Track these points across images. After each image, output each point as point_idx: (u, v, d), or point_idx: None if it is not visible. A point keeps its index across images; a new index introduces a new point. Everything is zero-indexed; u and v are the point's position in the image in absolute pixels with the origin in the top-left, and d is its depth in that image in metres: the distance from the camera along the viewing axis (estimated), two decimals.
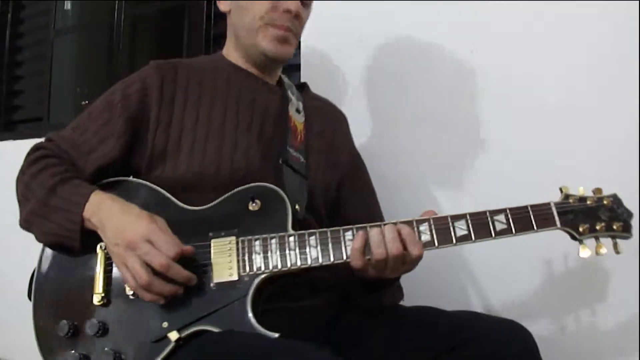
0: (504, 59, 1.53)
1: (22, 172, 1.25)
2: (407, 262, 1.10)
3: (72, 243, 1.17)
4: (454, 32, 1.61)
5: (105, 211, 1.13)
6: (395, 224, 1.10)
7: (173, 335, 1.08)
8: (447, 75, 1.61)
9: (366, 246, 1.09)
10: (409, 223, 1.11)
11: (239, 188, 1.19)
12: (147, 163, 1.25)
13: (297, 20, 1.31)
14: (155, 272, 1.07)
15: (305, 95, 1.43)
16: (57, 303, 1.20)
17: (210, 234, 1.15)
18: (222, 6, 1.38)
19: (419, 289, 1.29)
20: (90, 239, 1.16)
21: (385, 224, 1.10)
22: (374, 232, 1.09)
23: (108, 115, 1.26)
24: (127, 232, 1.09)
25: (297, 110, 1.36)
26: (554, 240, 1.36)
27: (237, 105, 1.30)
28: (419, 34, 1.66)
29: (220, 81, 1.33)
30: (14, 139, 2.65)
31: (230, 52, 1.39)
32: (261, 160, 1.26)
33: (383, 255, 1.08)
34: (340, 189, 1.39)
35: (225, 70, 1.35)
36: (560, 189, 1.15)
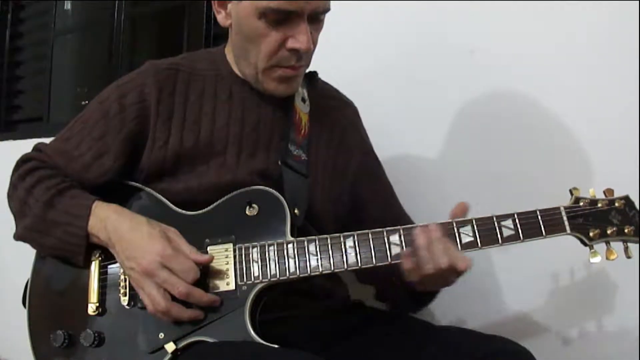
0: (504, 59, 1.50)
1: (14, 186, 1.20)
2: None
3: (76, 257, 1.14)
4: (454, 32, 1.58)
5: (113, 229, 1.10)
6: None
7: (170, 347, 1.07)
8: (447, 76, 1.59)
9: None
10: (411, 229, 1.07)
11: (236, 192, 1.15)
12: (144, 176, 1.20)
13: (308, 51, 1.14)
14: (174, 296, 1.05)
15: (314, 89, 1.33)
16: (52, 312, 1.19)
17: (207, 241, 1.12)
18: (222, 19, 1.20)
19: None
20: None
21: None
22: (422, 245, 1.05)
23: (103, 129, 1.19)
24: (141, 259, 1.05)
25: (303, 99, 1.28)
26: (559, 252, 1.34)
27: (240, 128, 1.21)
28: (419, 33, 1.63)
29: (223, 96, 1.22)
30: (14, 139, 2.65)
31: (231, 58, 1.26)
32: (264, 176, 1.20)
33: (432, 270, 1.04)
34: (356, 195, 1.32)
35: (227, 83, 1.23)
36: (571, 191, 1.11)
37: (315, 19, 1.13)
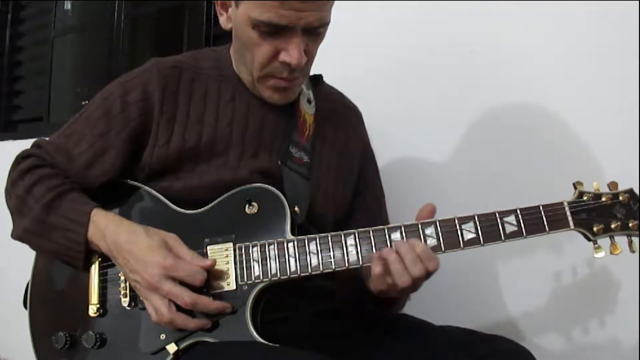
0: (504, 59, 1.50)
1: (13, 183, 1.18)
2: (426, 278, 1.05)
3: (76, 263, 1.13)
4: (454, 32, 1.58)
5: (112, 241, 1.08)
6: (400, 227, 1.05)
7: (171, 348, 1.06)
8: (447, 75, 1.59)
9: (386, 269, 1.03)
10: (413, 226, 1.06)
11: (235, 190, 1.13)
12: (144, 175, 1.19)
13: (303, 64, 1.12)
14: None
15: (320, 92, 1.31)
16: (53, 314, 1.18)
17: (206, 240, 1.10)
18: (223, 22, 1.19)
19: (418, 299, 1.26)
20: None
21: (396, 242, 1.04)
22: (393, 260, 1.02)
23: (106, 126, 1.17)
24: (143, 272, 1.04)
25: (308, 100, 1.26)
26: (562, 250, 1.36)
27: (243, 129, 1.20)
28: (419, 33, 1.63)
29: (226, 97, 1.21)
30: (14, 139, 2.65)
31: (234, 59, 1.24)
32: (265, 175, 1.18)
33: (408, 283, 1.02)
34: (351, 202, 1.31)
35: (231, 84, 1.22)
36: (574, 185, 1.09)
37: (311, 33, 1.10)
